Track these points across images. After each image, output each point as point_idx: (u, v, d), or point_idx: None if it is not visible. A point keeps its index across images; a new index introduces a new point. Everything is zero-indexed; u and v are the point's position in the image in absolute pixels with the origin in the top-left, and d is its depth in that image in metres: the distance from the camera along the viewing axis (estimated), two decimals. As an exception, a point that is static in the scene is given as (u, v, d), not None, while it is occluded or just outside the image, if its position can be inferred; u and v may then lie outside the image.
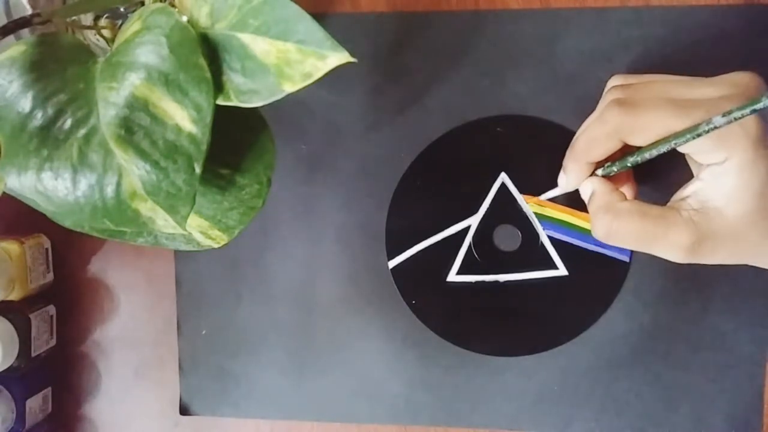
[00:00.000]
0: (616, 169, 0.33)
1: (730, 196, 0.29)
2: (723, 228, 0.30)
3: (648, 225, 0.30)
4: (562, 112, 0.41)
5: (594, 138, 0.32)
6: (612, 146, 0.31)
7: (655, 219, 0.30)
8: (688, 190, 0.31)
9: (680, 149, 0.30)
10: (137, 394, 0.45)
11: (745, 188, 0.29)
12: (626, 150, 0.33)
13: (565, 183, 0.35)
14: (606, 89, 0.35)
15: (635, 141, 0.31)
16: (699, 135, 0.29)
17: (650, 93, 0.31)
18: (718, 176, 0.30)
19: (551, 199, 0.40)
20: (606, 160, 0.33)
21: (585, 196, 0.34)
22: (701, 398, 0.41)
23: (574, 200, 0.41)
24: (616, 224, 0.31)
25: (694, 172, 0.32)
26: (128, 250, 0.45)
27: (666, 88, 0.31)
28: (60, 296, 0.45)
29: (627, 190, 0.35)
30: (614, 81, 0.35)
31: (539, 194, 0.41)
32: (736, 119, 0.27)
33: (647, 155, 0.31)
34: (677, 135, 0.30)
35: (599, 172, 0.34)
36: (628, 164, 0.33)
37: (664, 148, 0.31)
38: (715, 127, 0.28)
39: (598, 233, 0.32)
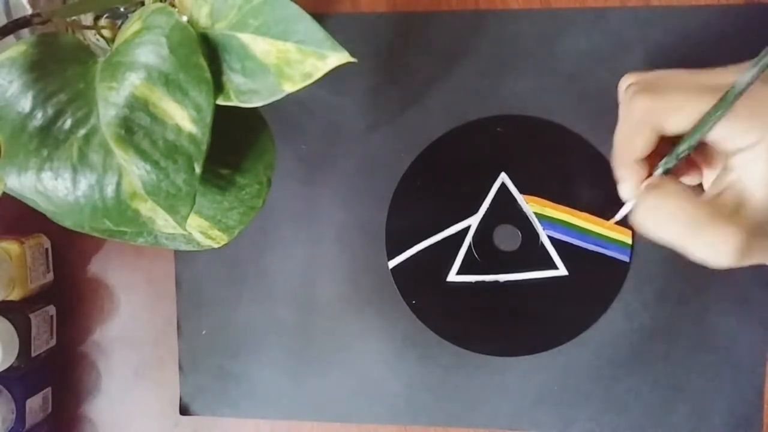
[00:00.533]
0: (670, 165, 0.30)
1: (764, 181, 0.27)
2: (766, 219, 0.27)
3: (699, 212, 0.27)
4: (562, 112, 0.41)
5: (627, 132, 0.30)
6: (648, 136, 0.29)
7: (706, 208, 0.27)
8: (722, 184, 0.28)
9: (709, 137, 0.28)
10: (137, 394, 0.45)
11: None
12: (663, 151, 0.30)
13: (626, 192, 0.31)
14: (621, 89, 0.33)
15: (669, 126, 0.28)
16: (735, 98, 0.27)
17: (673, 79, 0.29)
18: (750, 162, 0.27)
19: (548, 193, 0.40)
20: (653, 161, 0.31)
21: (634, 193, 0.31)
22: (701, 398, 0.41)
23: (574, 200, 0.41)
24: (663, 203, 0.28)
25: (722, 165, 0.29)
26: (128, 250, 0.45)
27: (688, 78, 0.29)
28: (60, 296, 0.45)
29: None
30: (628, 79, 0.33)
31: (546, 197, 0.40)
32: (766, 67, 0.26)
33: (693, 141, 0.29)
34: (713, 110, 0.28)
35: (656, 173, 0.31)
36: (679, 155, 0.30)
37: (706, 129, 0.28)
38: (749, 84, 0.27)
39: (638, 216, 0.29)
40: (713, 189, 0.29)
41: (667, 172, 0.30)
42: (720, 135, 0.28)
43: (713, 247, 0.27)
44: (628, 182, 0.31)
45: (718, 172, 0.29)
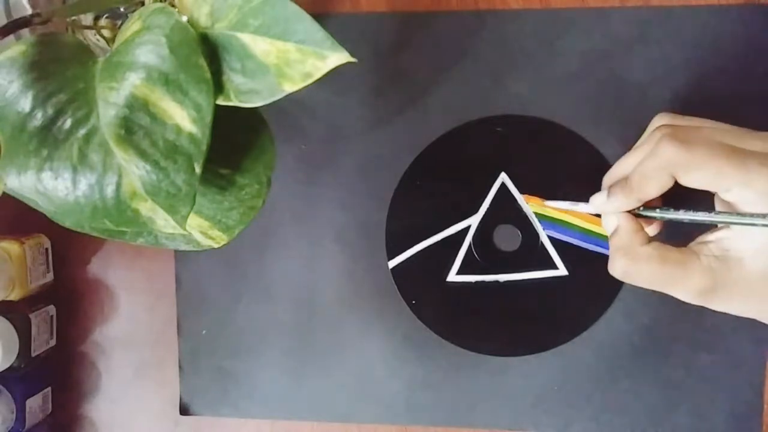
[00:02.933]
0: (645, 215, 0.33)
1: (756, 252, 0.29)
2: (741, 280, 0.29)
3: (666, 270, 0.30)
4: (563, 112, 0.41)
5: (646, 173, 0.31)
6: (664, 183, 0.30)
7: (673, 264, 0.30)
8: (714, 235, 0.31)
9: (724, 196, 0.29)
10: (137, 394, 0.45)
11: None
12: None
13: (602, 206, 0.34)
14: (651, 126, 0.34)
15: (686, 179, 0.30)
16: (751, 225, 0.28)
17: (703, 134, 0.30)
18: (747, 229, 0.29)
19: (547, 193, 0.40)
20: (650, 202, 0.33)
21: (608, 228, 0.34)
22: (701, 398, 0.41)
23: (574, 200, 0.41)
24: (634, 268, 0.31)
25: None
26: (128, 250, 0.45)
27: (718, 134, 0.30)
28: (60, 296, 0.45)
29: (652, 228, 0.35)
30: (661, 119, 0.33)
31: (546, 197, 0.40)
32: None
33: (684, 217, 0.31)
34: (727, 215, 0.29)
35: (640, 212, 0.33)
36: (658, 216, 0.32)
37: (703, 218, 0.30)
38: (745, 223, 0.28)
39: (615, 273, 0.32)
40: (706, 236, 0.31)
41: (644, 217, 0.33)
42: (737, 199, 0.29)
43: (679, 293, 0.31)
44: (613, 205, 0.33)
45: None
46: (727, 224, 0.30)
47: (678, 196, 0.31)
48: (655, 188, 0.31)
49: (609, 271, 0.32)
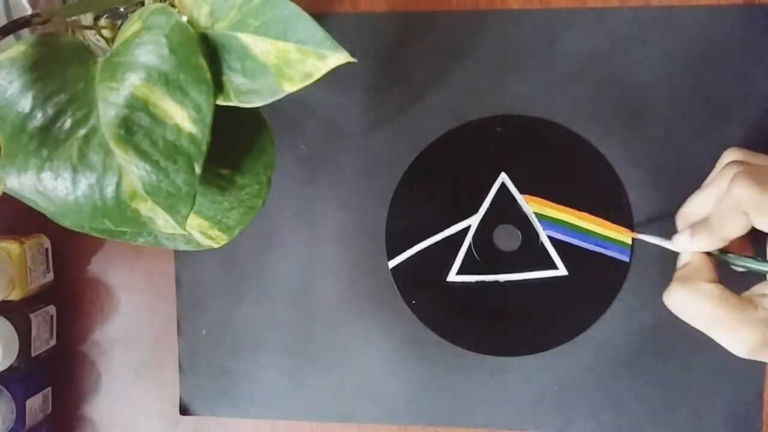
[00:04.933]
0: (722, 259, 0.32)
1: None
2: None
3: (723, 313, 0.29)
4: (562, 112, 0.41)
5: (723, 213, 0.30)
6: (742, 223, 0.29)
7: (732, 309, 0.29)
8: None
9: None
10: (137, 394, 0.45)
11: None
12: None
13: (685, 246, 0.33)
14: (722, 162, 0.33)
15: (758, 223, 0.29)
16: None
17: None
18: None
19: (546, 193, 0.40)
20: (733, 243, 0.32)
21: (680, 261, 0.33)
22: (701, 398, 0.41)
23: (575, 200, 0.41)
24: (692, 301, 0.30)
25: None
26: (128, 250, 0.45)
27: None
28: (60, 296, 0.45)
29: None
30: (731, 155, 0.33)
31: (546, 197, 0.40)
32: None
33: (758, 267, 0.30)
34: None
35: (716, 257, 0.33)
36: (738, 264, 0.31)
37: None
38: None
39: (669, 300, 0.31)
40: (762, 287, 0.30)
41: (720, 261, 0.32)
42: None
43: (730, 343, 0.30)
44: (698, 245, 0.32)
45: None
46: None
47: (761, 236, 0.31)
48: (736, 229, 0.30)
49: (664, 300, 0.32)
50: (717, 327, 0.30)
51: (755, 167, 0.30)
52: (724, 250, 0.32)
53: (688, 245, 0.33)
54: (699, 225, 0.32)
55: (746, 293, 0.31)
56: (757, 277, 0.31)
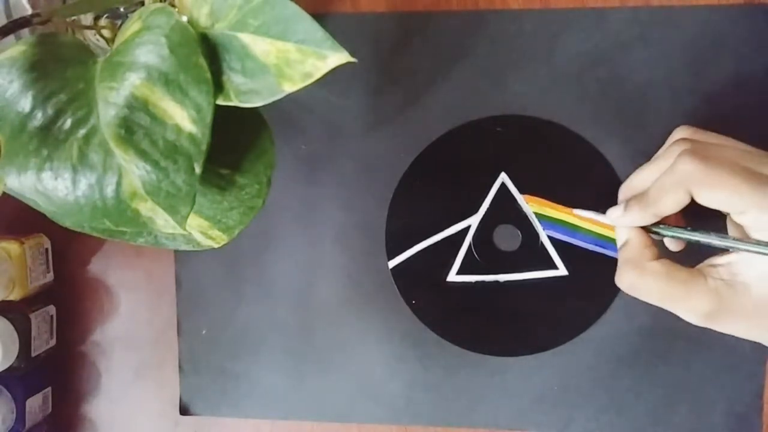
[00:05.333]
0: (658, 232, 0.33)
1: (762, 278, 0.29)
2: (746, 305, 0.29)
3: (672, 288, 0.30)
4: (563, 112, 0.41)
5: (664, 187, 0.30)
6: (681, 199, 0.30)
7: (679, 283, 0.30)
8: (723, 259, 0.31)
9: (737, 218, 0.29)
10: (137, 394, 0.45)
11: None
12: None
13: (618, 219, 0.34)
14: (671, 139, 0.34)
15: (702, 197, 0.29)
16: (764, 254, 0.28)
17: (724, 153, 0.30)
18: (756, 255, 0.29)
19: (545, 192, 0.40)
20: (667, 218, 0.33)
21: (619, 240, 0.34)
22: (701, 398, 0.41)
23: (575, 200, 0.41)
24: (641, 282, 0.31)
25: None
26: (128, 250, 0.45)
27: (739, 155, 0.30)
28: (60, 296, 0.45)
29: (676, 244, 0.35)
30: (681, 132, 0.33)
31: (546, 197, 0.40)
32: None
33: (697, 238, 0.31)
34: (738, 241, 0.29)
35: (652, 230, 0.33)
36: (671, 234, 0.32)
37: (717, 242, 0.30)
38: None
39: (622, 285, 0.32)
40: (715, 259, 0.31)
41: (657, 235, 0.33)
42: (752, 224, 0.29)
43: (684, 313, 0.31)
44: (630, 219, 0.33)
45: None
46: (738, 250, 0.30)
47: (690, 214, 0.31)
48: (672, 204, 0.30)
49: (616, 283, 0.32)
50: (668, 301, 0.31)
51: (702, 144, 0.31)
52: (656, 224, 0.33)
53: (620, 219, 0.33)
54: (634, 199, 0.33)
55: (698, 266, 0.32)
56: (708, 251, 0.32)
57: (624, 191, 0.36)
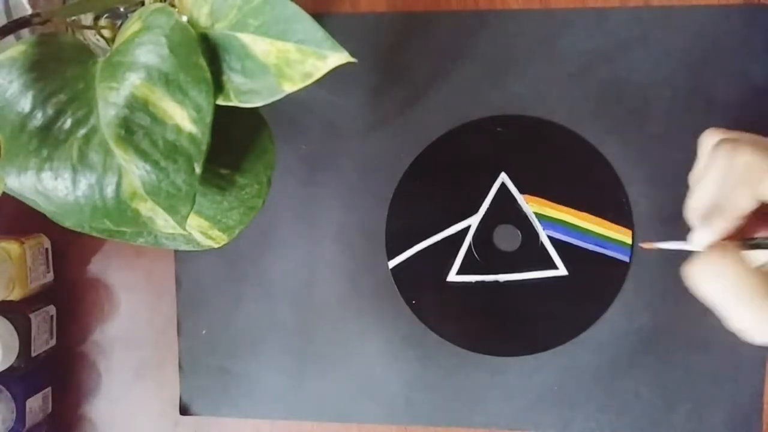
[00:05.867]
0: (762, 244, 0.29)
1: None
2: None
3: (753, 284, 0.26)
4: (562, 112, 0.41)
5: (729, 188, 0.28)
6: (749, 194, 0.28)
7: (762, 280, 0.26)
8: None
9: None
10: (137, 393, 0.45)
11: None
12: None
13: (705, 238, 0.30)
14: (704, 145, 0.32)
15: (765, 189, 0.27)
16: None
17: (765, 143, 0.28)
18: None
19: (545, 192, 0.39)
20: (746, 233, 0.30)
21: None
22: (701, 398, 0.41)
23: (574, 200, 0.41)
24: (722, 264, 0.27)
25: None
26: (128, 250, 0.45)
27: None
28: (60, 296, 0.45)
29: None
30: (714, 135, 0.31)
31: (546, 197, 0.40)
32: None
33: None
34: None
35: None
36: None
37: None
38: None
39: (692, 269, 0.28)
40: None
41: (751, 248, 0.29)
42: None
43: (754, 322, 0.27)
44: (716, 230, 0.29)
45: None
46: None
47: None
48: (746, 201, 0.28)
49: (682, 270, 0.28)
50: (743, 302, 0.26)
51: (745, 138, 0.29)
52: (750, 238, 0.29)
53: (707, 236, 0.29)
54: (710, 212, 0.29)
55: None
56: None
57: (690, 214, 0.32)
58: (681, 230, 0.31)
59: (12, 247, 0.41)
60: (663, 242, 0.33)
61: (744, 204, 0.28)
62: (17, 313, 0.41)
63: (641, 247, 0.37)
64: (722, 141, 0.30)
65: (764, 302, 0.26)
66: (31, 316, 0.42)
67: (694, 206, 0.31)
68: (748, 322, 0.27)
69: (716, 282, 0.27)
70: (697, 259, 0.28)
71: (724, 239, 0.29)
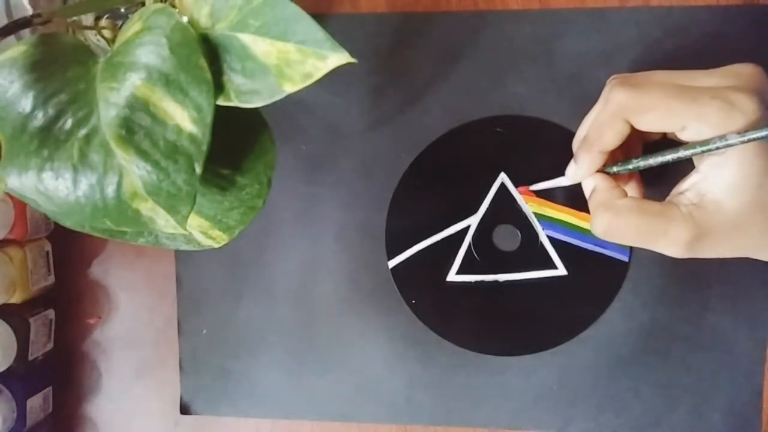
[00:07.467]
0: (616, 170, 0.33)
1: (730, 189, 0.29)
2: (722, 222, 0.29)
3: (647, 222, 0.30)
4: (562, 112, 0.41)
5: (601, 122, 0.31)
6: (620, 129, 0.31)
7: (653, 216, 0.30)
8: (687, 182, 0.31)
9: (682, 136, 0.30)
10: (138, 393, 0.45)
11: (745, 180, 0.29)
12: (631, 150, 0.33)
13: (573, 173, 0.34)
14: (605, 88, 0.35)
15: (641, 122, 0.30)
16: (710, 150, 0.28)
17: (653, 78, 0.31)
18: (717, 168, 0.29)
19: (545, 192, 0.40)
20: (613, 160, 0.33)
21: (587, 191, 0.34)
22: (701, 398, 0.41)
23: (574, 200, 0.41)
24: (615, 222, 0.31)
25: (695, 164, 0.32)
26: (129, 251, 0.45)
27: (668, 76, 0.31)
28: (61, 296, 0.45)
29: (632, 188, 0.35)
30: (614, 77, 0.34)
31: (541, 195, 0.41)
32: (751, 140, 0.27)
33: (651, 161, 0.31)
34: (686, 147, 0.30)
35: (609, 170, 0.34)
36: (630, 167, 0.32)
37: (669, 156, 0.30)
38: (728, 144, 0.28)
39: (597, 230, 0.32)
40: (681, 185, 0.31)
41: (617, 173, 0.33)
42: (695, 136, 0.29)
43: (665, 248, 0.30)
44: (582, 167, 0.33)
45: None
46: (691, 156, 0.30)
47: (647, 152, 0.32)
48: (612, 136, 0.31)
49: (592, 231, 0.32)
50: (647, 237, 0.30)
51: (633, 75, 0.31)
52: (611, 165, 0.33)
53: (576, 172, 0.33)
54: (578, 148, 0.33)
55: (667, 199, 0.32)
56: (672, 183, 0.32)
57: (574, 146, 0.36)
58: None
59: (13, 250, 0.41)
60: (540, 183, 0.39)
61: (609, 139, 0.31)
62: (17, 317, 0.41)
63: (521, 193, 0.40)
64: (612, 78, 0.32)
65: (664, 234, 0.30)
66: (31, 320, 0.42)
67: (574, 141, 0.35)
68: (661, 250, 0.30)
69: (620, 235, 0.31)
70: (596, 220, 0.32)
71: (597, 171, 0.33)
